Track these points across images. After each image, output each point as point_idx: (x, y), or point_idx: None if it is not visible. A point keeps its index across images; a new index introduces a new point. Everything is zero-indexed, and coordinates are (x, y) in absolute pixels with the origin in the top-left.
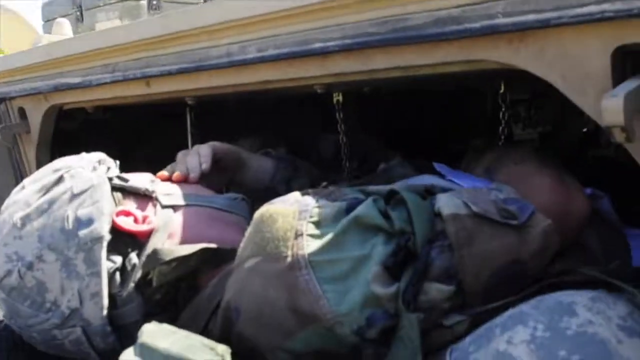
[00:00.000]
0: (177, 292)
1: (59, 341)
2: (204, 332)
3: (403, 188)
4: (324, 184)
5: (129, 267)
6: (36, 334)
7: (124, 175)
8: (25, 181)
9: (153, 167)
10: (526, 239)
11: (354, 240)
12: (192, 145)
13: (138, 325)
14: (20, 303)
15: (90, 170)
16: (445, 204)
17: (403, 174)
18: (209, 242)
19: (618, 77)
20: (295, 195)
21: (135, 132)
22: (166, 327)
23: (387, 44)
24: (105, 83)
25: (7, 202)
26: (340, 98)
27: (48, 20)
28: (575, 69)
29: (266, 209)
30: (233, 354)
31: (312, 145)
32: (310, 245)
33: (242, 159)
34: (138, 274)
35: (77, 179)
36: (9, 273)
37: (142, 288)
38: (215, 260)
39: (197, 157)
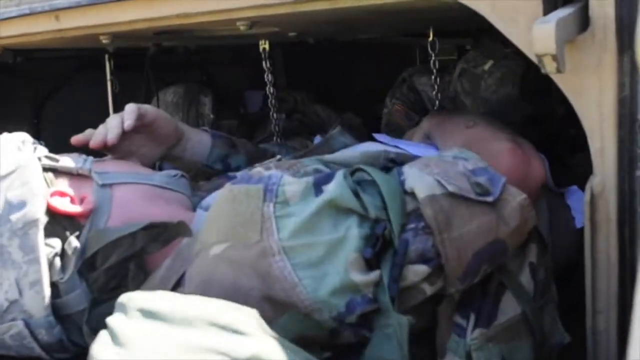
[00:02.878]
0: (124, 275)
1: None
2: None
3: (363, 159)
4: (278, 157)
5: (69, 251)
6: None
7: (54, 155)
8: None
9: (68, 122)
10: (503, 217)
11: (327, 223)
12: (112, 96)
13: (84, 314)
14: None
15: (14, 151)
16: (418, 183)
17: (344, 143)
18: (151, 219)
19: (549, 7)
20: (258, 172)
21: (51, 80)
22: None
23: None
24: (10, 17)
25: None
26: (267, 46)
27: None
28: None
29: (229, 190)
30: None
31: (238, 98)
32: (281, 229)
33: (181, 130)
34: (79, 258)
35: (5, 161)
36: None
37: (86, 273)
38: (163, 238)
39: (118, 117)
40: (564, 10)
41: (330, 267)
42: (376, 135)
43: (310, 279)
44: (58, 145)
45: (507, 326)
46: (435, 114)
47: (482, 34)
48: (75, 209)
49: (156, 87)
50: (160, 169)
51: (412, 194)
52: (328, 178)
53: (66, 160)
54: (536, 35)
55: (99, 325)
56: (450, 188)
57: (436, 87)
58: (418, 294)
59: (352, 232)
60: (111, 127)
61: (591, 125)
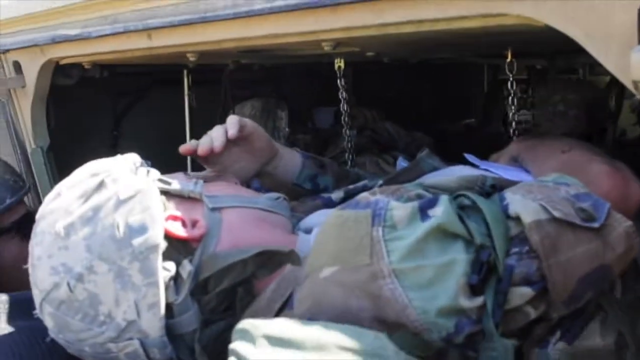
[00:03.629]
0: (233, 298)
1: (114, 354)
2: None
3: (461, 184)
4: (380, 182)
5: (184, 275)
6: (88, 348)
7: (164, 177)
8: (60, 187)
9: (146, 134)
10: (610, 243)
11: (435, 247)
12: (189, 110)
13: (195, 334)
14: (70, 317)
15: (131, 174)
16: (523, 208)
17: (433, 165)
18: (260, 243)
19: None
20: (365, 197)
21: (132, 94)
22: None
23: None
24: (105, 35)
25: (41, 210)
26: (342, 64)
27: None
28: (600, 24)
29: (338, 215)
30: None
31: (308, 114)
32: (391, 253)
33: (275, 147)
34: (193, 281)
35: (121, 183)
36: (56, 286)
37: (198, 295)
38: (272, 264)
39: (222, 127)
40: None
41: (440, 290)
42: (467, 156)
43: (420, 301)
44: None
45: (590, 350)
46: (525, 137)
47: (556, 55)
48: (190, 233)
49: (232, 102)
50: (248, 186)
51: (516, 219)
52: (432, 203)
53: (177, 183)
54: (634, 62)
55: (209, 344)
56: (556, 214)
57: (513, 108)
58: (522, 317)
59: (460, 257)
60: (216, 136)
61: None
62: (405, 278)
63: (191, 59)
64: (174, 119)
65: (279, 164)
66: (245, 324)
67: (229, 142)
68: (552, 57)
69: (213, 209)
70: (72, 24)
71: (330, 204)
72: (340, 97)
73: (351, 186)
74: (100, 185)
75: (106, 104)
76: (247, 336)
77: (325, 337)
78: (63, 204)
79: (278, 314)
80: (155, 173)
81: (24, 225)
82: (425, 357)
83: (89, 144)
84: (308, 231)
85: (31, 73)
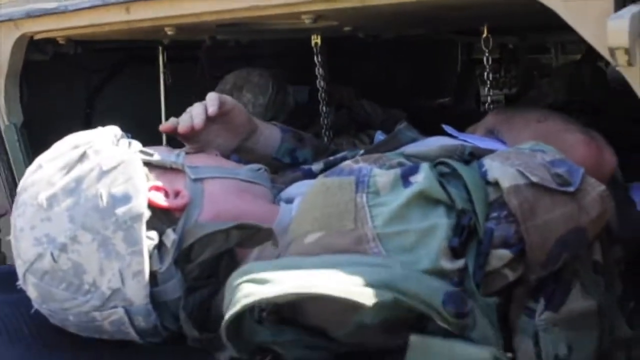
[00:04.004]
0: (216, 266)
1: (98, 323)
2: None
3: (441, 153)
4: (360, 153)
5: (167, 244)
6: (72, 317)
7: (146, 149)
8: (41, 160)
9: (120, 111)
10: (584, 207)
11: (417, 212)
12: (164, 89)
13: (180, 302)
14: (54, 287)
15: (112, 145)
16: (502, 174)
17: (411, 137)
18: (241, 213)
19: (619, 5)
20: (348, 165)
21: (105, 72)
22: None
23: None
24: (83, 8)
25: (23, 183)
26: (319, 41)
27: None
28: None
29: (322, 182)
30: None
31: (285, 92)
32: (375, 218)
33: (254, 122)
34: (176, 250)
35: (103, 154)
36: (40, 257)
37: (181, 264)
38: (254, 239)
39: (201, 105)
40: (636, 7)
41: (423, 253)
42: (445, 128)
43: (404, 263)
44: None
45: (576, 314)
46: (501, 110)
47: (527, 33)
48: (173, 203)
49: (208, 79)
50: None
51: (495, 185)
52: (413, 170)
53: (159, 154)
54: (610, 30)
55: (193, 311)
56: (533, 178)
57: (488, 83)
58: (501, 279)
59: (442, 221)
60: (196, 114)
61: None
62: (389, 242)
63: (169, 33)
64: (149, 97)
65: (258, 139)
66: (246, 267)
67: (209, 119)
68: (524, 35)
69: (195, 180)
70: None
71: (310, 175)
72: (317, 73)
73: (331, 157)
74: (83, 156)
75: (80, 81)
76: (253, 270)
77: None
78: (45, 175)
79: None
80: (137, 145)
81: None
82: (408, 320)
83: (62, 121)
84: (289, 201)
85: (4, 48)
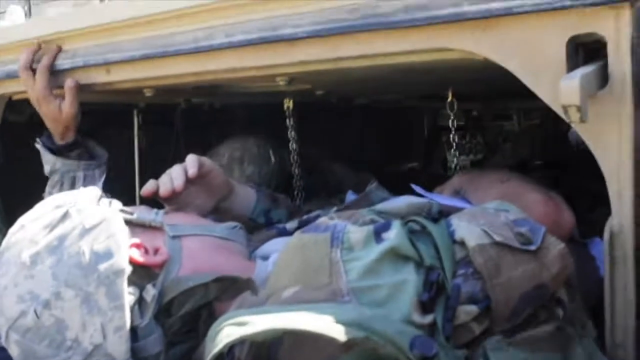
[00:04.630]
0: (196, 321)
1: None
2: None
3: (410, 210)
4: (335, 209)
5: (147, 299)
6: None
7: (126, 208)
8: (23, 220)
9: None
10: (545, 264)
11: (389, 268)
12: (139, 150)
13: (160, 356)
14: (37, 344)
15: (94, 204)
16: (467, 234)
17: (382, 197)
18: (219, 269)
19: (572, 65)
20: (323, 222)
21: (81, 133)
22: None
23: (356, 30)
24: (64, 70)
25: (5, 243)
26: (291, 105)
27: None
28: (533, 56)
29: (298, 239)
30: None
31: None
32: (349, 272)
33: (231, 183)
34: (156, 305)
35: (86, 213)
36: (23, 314)
37: (162, 319)
38: (233, 289)
39: (180, 167)
40: (587, 68)
41: (394, 307)
42: (415, 187)
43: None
44: None
45: (533, 339)
46: (466, 171)
47: (490, 100)
48: (152, 259)
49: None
50: None
51: (461, 244)
52: (386, 227)
53: (139, 213)
54: (563, 89)
55: None
56: (497, 238)
57: (454, 145)
58: (468, 333)
59: (412, 277)
60: (175, 176)
61: (610, 171)
62: (362, 296)
63: (147, 94)
64: (124, 159)
65: (234, 200)
66: (225, 316)
67: (188, 181)
68: (488, 102)
69: (174, 237)
70: None
71: (284, 233)
72: (289, 136)
73: (304, 217)
74: (65, 215)
75: None
76: (233, 317)
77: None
78: (27, 234)
79: None
80: (117, 204)
81: None
82: None
83: (39, 181)
84: (265, 258)
85: None
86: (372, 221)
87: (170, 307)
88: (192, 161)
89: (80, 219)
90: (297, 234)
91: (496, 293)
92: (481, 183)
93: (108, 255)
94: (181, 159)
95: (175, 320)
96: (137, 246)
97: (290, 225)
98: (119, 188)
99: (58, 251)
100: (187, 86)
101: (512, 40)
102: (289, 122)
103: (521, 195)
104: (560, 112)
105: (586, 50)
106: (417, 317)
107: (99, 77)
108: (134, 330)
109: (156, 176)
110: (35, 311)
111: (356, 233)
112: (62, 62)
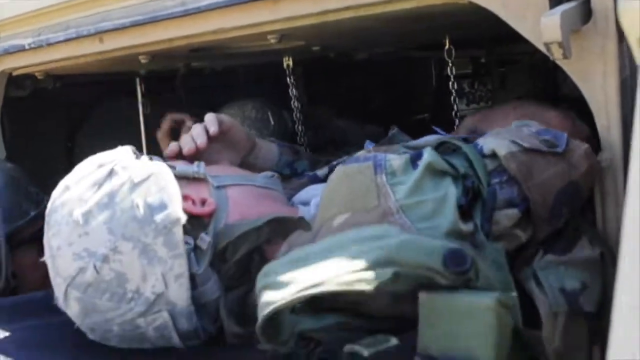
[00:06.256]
0: (249, 265)
1: (142, 330)
2: None
3: (439, 141)
4: (369, 148)
5: (203, 247)
6: (116, 327)
7: (169, 162)
8: (67, 182)
9: (101, 144)
10: (573, 163)
11: (430, 185)
12: (143, 119)
13: (219, 301)
14: (98, 298)
15: (137, 160)
16: (497, 145)
17: (404, 139)
18: (264, 215)
19: (555, 3)
20: (362, 154)
21: (84, 105)
22: None
23: None
24: (58, 42)
25: (52, 205)
26: (291, 62)
27: None
28: None
29: (342, 170)
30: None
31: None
32: (395, 193)
33: (253, 138)
34: (210, 252)
35: (132, 169)
36: (81, 270)
37: (217, 265)
38: (283, 230)
39: (201, 126)
40: (569, 4)
41: (442, 218)
42: (434, 128)
43: (429, 229)
44: None
45: (581, 260)
46: (475, 112)
47: (494, 44)
48: (202, 209)
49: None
50: None
51: (491, 156)
52: (419, 155)
53: (181, 166)
54: (544, 26)
55: (233, 308)
56: (525, 144)
57: (454, 92)
58: (514, 240)
59: (451, 190)
60: (197, 135)
61: (597, 106)
62: (411, 212)
63: (143, 61)
64: (129, 128)
65: (258, 154)
66: (269, 265)
67: (210, 139)
68: (491, 48)
69: (218, 187)
70: (24, 33)
71: (316, 180)
72: (290, 94)
73: (334, 162)
74: (111, 173)
75: (60, 115)
76: (273, 270)
77: (337, 239)
78: (74, 195)
79: None
80: (157, 159)
81: (41, 237)
82: (434, 285)
83: (44, 155)
84: (304, 204)
85: None
86: (405, 154)
87: (224, 253)
88: (211, 119)
89: (128, 174)
90: (339, 166)
91: (533, 193)
92: (494, 116)
93: (162, 206)
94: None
95: (230, 266)
96: (185, 198)
97: (322, 171)
98: None
99: (110, 207)
100: (182, 50)
101: None
102: (290, 80)
103: (537, 114)
104: (544, 49)
105: None
106: (462, 225)
107: (93, 46)
108: (192, 278)
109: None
110: (94, 266)
111: (396, 160)
112: (56, 35)
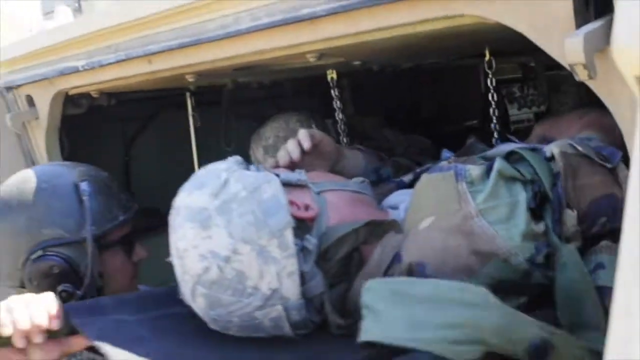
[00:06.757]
0: (349, 264)
1: (258, 321)
2: None
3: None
4: (450, 158)
5: (309, 247)
6: (237, 318)
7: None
8: (188, 188)
9: (155, 157)
10: (619, 182)
11: (504, 191)
12: (194, 132)
13: (324, 296)
14: (222, 293)
15: (247, 171)
16: (556, 146)
17: (482, 148)
18: (359, 218)
19: (581, 22)
20: (444, 164)
21: (139, 120)
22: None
23: (371, 4)
24: (109, 64)
25: (177, 205)
26: (334, 75)
27: (47, 13)
28: (541, 16)
29: (427, 178)
30: None
31: (327, 130)
32: (475, 198)
33: (340, 148)
34: (315, 252)
35: (245, 179)
36: (206, 270)
37: (321, 264)
38: (378, 232)
39: (294, 141)
40: (594, 24)
41: (517, 220)
42: (509, 137)
43: (504, 231)
44: (149, 178)
45: None
46: (544, 120)
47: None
48: (307, 214)
49: (234, 121)
50: None
51: (553, 158)
52: (492, 165)
53: (286, 174)
54: (567, 48)
55: (336, 303)
56: (580, 149)
57: (493, 103)
58: (577, 236)
59: (522, 195)
60: (291, 149)
61: (625, 126)
62: (489, 215)
63: (190, 80)
64: (181, 141)
65: (346, 163)
66: (373, 282)
67: (304, 153)
68: (536, 54)
69: (318, 193)
70: (78, 55)
71: (403, 186)
72: (335, 106)
73: (418, 169)
74: (226, 182)
75: (116, 131)
76: (376, 292)
77: (436, 291)
78: (197, 202)
79: (387, 271)
80: (263, 168)
81: (128, 241)
82: (514, 280)
83: (103, 169)
84: (394, 208)
85: (43, 105)
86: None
87: (327, 253)
88: (304, 135)
89: (242, 184)
90: (424, 175)
91: (569, 192)
92: (562, 125)
93: (275, 212)
94: (231, 137)
95: (332, 265)
96: (291, 203)
97: (407, 177)
98: (176, 167)
99: (228, 213)
100: (226, 70)
101: (519, 2)
102: (334, 92)
103: (600, 122)
104: (570, 69)
105: (597, 4)
106: (535, 226)
107: (142, 67)
108: (301, 274)
109: (211, 155)
110: (218, 266)
111: (475, 170)
112: (107, 57)
